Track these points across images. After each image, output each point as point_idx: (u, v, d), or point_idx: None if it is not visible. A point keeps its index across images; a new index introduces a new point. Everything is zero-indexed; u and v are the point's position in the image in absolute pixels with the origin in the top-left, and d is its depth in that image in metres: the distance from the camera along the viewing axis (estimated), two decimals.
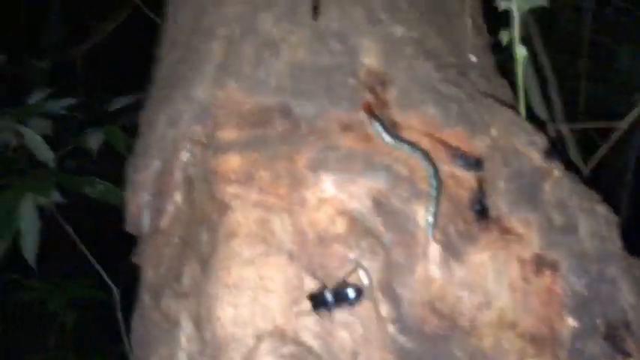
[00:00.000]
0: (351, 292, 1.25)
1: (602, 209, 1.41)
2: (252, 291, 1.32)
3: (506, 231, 1.34)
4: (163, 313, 1.51)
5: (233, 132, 1.46)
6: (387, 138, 1.30)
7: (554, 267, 1.34)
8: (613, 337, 1.34)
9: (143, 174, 1.70)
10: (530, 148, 1.35)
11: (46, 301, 3.12)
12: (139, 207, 1.71)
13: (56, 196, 2.91)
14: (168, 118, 1.61)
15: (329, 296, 1.24)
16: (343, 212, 1.32)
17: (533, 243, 1.32)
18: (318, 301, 1.25)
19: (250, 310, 1.31)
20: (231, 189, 1.41)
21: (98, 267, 2.50)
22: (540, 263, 1.34)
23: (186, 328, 1.38)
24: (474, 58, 1.59)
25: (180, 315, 1.41)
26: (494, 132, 1.35)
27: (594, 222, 1.37)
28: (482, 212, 1.32)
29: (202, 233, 1.46)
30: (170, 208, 1.60)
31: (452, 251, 1.30)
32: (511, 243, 1.34)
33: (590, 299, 1.34)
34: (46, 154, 2.93)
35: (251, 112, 1.45)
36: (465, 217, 1.33)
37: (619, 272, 1.36)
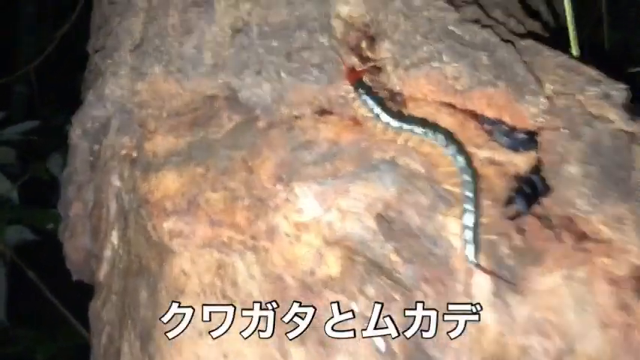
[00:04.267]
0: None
1: None
2: None
3: (584, 237, 0.88)
4: None
5: (167, 139, 1.01)
6: (386, 118, 0.84)
7: None
8: None
9: (75, 208, 1.27)
10: (606, 104, 0.88)
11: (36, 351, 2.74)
12: (79, 251, 1.29)
13: (22, 233, 2.52)
14: (84, 130, 1.17)
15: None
16: (335, 241, 0.87)
17: (629, 250, 0.85)
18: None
19: None
20: (170, 224, 0.96)
21: (67, 313, 2.09)
22: None
23: None
24: None
25: None
26: (549, 87, 0.88)
27: None
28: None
29: (141, 290, 1.02)
30: (107, 254, 1.17)
31: (508, 280, 0.85)
32: (595, 254, 0.87)
33: None
34: (4, 185, 2.55)
35: (187, 106, 1.00)
36: (520, 225, 0.87)
37: None
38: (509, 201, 0.82)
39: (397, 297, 0.82)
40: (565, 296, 0.88)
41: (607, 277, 0.88)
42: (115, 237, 1.15)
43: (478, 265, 0.82)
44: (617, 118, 0.88)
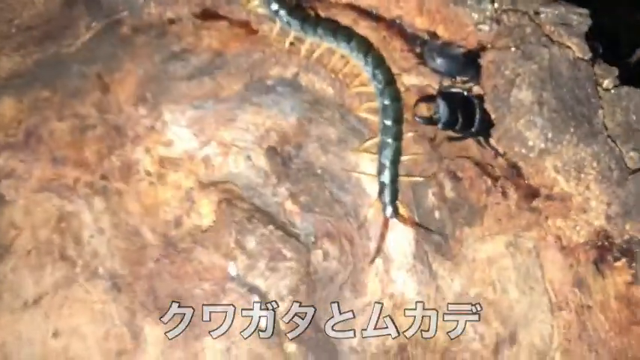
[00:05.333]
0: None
1: None
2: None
3: (534, 192, 0.69)
4: None
5: (12, 59, 0.79)
6: (286, 17, 0.64)
7: (631, 252, 0.70)
8: None
9: None
10: (564, 33, 0.70)
11: None
12: None
13: None
14: None
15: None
16: (212, 183, 0.66)
17: (590, 208, 0.67)
18: None
19: None
20: (2, 160, 0.73)
21: None
22: (606, 248, 0.69)
23: None
24: None
25: None
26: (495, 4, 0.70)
27: None
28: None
29: None
30: None
31: (434, 241, 0.65)
32: (547, 215, 0.69)
33: None
34: None
35: (40, 17, 0.78)
36: (453, 168, 0.67)
37: None
38: (427, 99, 0.62)
39: (288, 253, 0.60)
40: (508, 269, 0.69)
41: (561, 245, 0.69)
42: None
43: (398, 215, 0.61)
44: (577, 48, 0.70)
